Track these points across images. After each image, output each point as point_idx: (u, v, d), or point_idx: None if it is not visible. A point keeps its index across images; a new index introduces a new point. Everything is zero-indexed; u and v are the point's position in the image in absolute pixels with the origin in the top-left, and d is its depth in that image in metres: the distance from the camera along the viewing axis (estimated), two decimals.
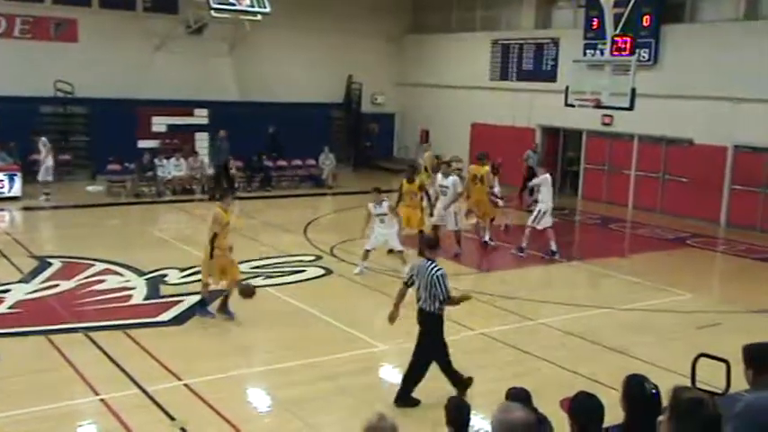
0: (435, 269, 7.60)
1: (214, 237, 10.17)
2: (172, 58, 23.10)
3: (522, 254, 14.69)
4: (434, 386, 7.90)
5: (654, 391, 3.76)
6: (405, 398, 7.76)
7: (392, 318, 8.11)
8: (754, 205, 18.01)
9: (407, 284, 7.94)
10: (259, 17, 22.14)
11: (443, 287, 7.57)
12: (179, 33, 23.05)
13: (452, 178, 14.53)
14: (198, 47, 23.44)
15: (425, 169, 18.82)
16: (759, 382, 4.10)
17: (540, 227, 14.61)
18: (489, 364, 9.08)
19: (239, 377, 8.56)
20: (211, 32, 23.41)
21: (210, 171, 21.76)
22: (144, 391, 7.87)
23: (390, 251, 13.50)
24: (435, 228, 14.27)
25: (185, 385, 8.09)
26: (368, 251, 13.02)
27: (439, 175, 14.86)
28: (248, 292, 10.08)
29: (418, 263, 7.92)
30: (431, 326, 7.76)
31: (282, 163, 23.19)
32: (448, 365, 7.89)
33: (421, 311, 7.79)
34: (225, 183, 20.97)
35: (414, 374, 7.82)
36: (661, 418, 3.45)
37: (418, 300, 7.80)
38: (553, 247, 14.59)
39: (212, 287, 10.53)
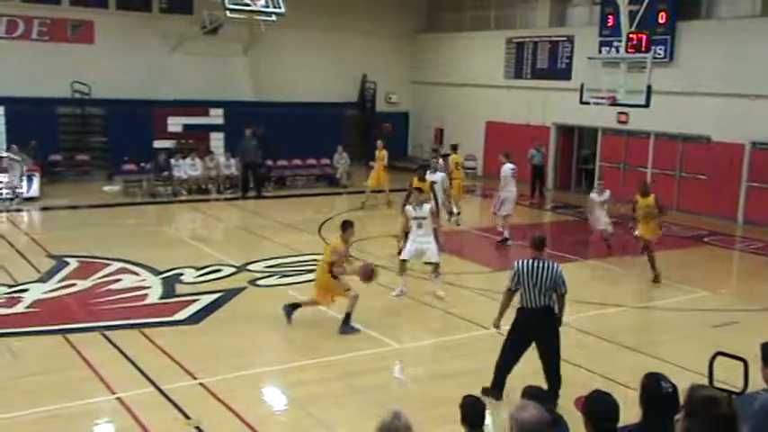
0: (556, 266, 7.68)
1: (330, 266, 9.79)
2: (187, 58, 23.23)
3: (508, 243, 15.28)
4: (448, 384, 7.90)
5: (671, 389, 3.74)
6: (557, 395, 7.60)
7: (496, 325, 8.16)
8: None
9: (513, 290, 7.78)
10: (274, 17, 22.19)
11: (565, 282, 7.67)
12: (194, 34, 23.14)
13: (441, 174, 14.50)
14: (213, 47, 23.55)
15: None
16: None
17: (501, 213, 15.43)
18: None
19: (254, 376, 8.58)
20: (227, 33, 23.50)
21: (234, 170, 21.72)
22: (159, 390, 7.91)
23: (428, 263, 11.77)
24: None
25: (200, 384, 8.13)
26: (404, 262, 11.53)
27: (428, 171, 14.33)
28: (369, 274, 9.93)
29: (524, 264, 7.67)
30: (554, 321, 7.79)
31: (297, 162, 23.28)
32: (516, 361, 7.89)
33: (539, 310, 7.64)
34: (251, 182, 21.01)
35: (558, 376, 7.78)
36: (678, 416, 3.43)
37: (530, 299, 7.62)
38: (506, 234, 15.40)
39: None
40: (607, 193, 15.26)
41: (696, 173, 19.37)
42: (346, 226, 10.10)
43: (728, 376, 6.20)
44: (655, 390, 3.76)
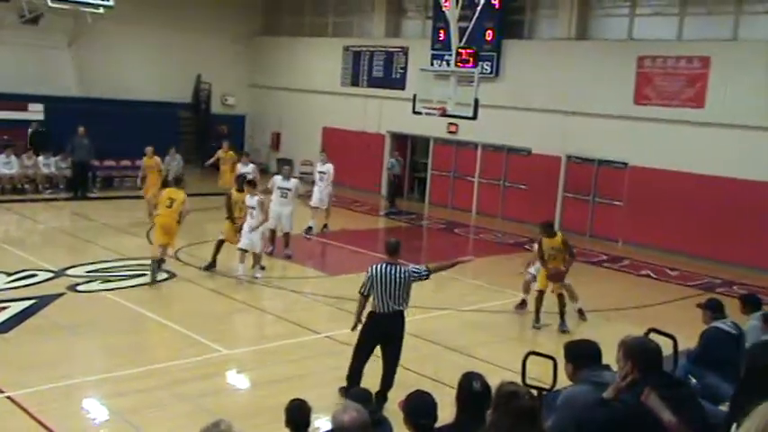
0: (406, 270, 7.80)
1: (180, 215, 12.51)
2: (3, 48, 21.50)
3: (310, 234, 16.64)
4: (277, 389, 7.85)
5: (481, 388, 3.93)
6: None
7: (355, 328, 8.13)
8: (583, 212, 19.26)
9: (366, 294, 7.85)
10: (101, 10, 21.08)
11: (417, 271, 7.88)
12: (12, 22, 21.47)
13: (294, 180, 14.65)
14: (34, 38, 21.94)
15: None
16: (578, 376, 4.39)
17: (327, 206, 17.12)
18: (335, 367, 9.10)
19: (70, 387, 8.05)
20: (49, 23, 21.99)
21: (54, 169, 20.51)
22: None
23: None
24: (272, 232, 14.44)
25: (8, 398, 7.53)
26: (244, 252, 12.72)
27: (278, 177, 14.66)
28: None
29: (377, 269, 7.77)
30: (403, 326, 7.93)
31: (126, 162, 22.23)
32: (364, 363, 8.09)
33: (393, 315, 7.79)
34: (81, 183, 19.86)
35: (392, 379, 7.93)
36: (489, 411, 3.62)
37: (381, 304, 7.75)
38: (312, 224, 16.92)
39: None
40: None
41: (518, 183, 20.57)
42: (169, 184, 13.22)
43: (541, 374, 6.60)
44: (466, 388, 3.95)
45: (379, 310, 7.83)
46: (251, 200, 12.78)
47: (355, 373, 7.97)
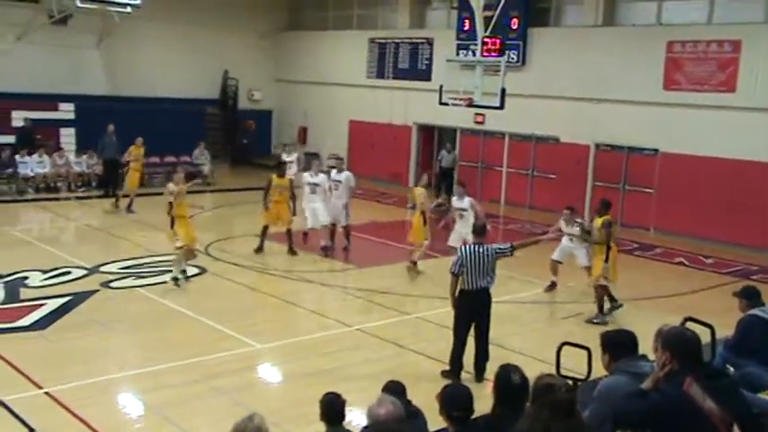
0: (491, 249, 8.41)
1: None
2: (34, 49, 21.76)
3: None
4: (311, 382, 7.88)
5: (519, 381, 3.91)
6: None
7: (454, 306, 8.57)
8: (614, 200, 18.88)
9: (457, 274, 8.31)
10: (129, 9, 21.27)
11: (501, 247, 8.55)
12: (42, 23, 21.76)
13: (346, 173, 14.67)
14: (63, 38, 22.20)
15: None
16: (614, 366, 4.34)
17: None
18: (367, 360, 9.14)
19: (107, 382, 8.18)
20: (78, 23, 22.26)
21: (85, 168, 20.82)
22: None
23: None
24: (332, 226, 14.53)
25: (46, 393, 7.66)
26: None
27: (333, 171, 14.82)
28: None
29: (467, 250, 8.35)
30: (490, 302, 8.48)
31: (155, 159, 22.40)
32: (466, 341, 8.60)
33: (481, 291, 8.32)
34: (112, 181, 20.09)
35: (487, 352, 8.47)
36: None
37: (471, 282, 8.25)
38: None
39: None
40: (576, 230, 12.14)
41: (547, 172, 20.39)
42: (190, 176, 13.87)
43: (576, 364, 6.55)
44: (504, 380, 3.93)
45: (468, 287, 8.29)
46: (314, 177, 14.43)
47: (458, 353, 8.41)
